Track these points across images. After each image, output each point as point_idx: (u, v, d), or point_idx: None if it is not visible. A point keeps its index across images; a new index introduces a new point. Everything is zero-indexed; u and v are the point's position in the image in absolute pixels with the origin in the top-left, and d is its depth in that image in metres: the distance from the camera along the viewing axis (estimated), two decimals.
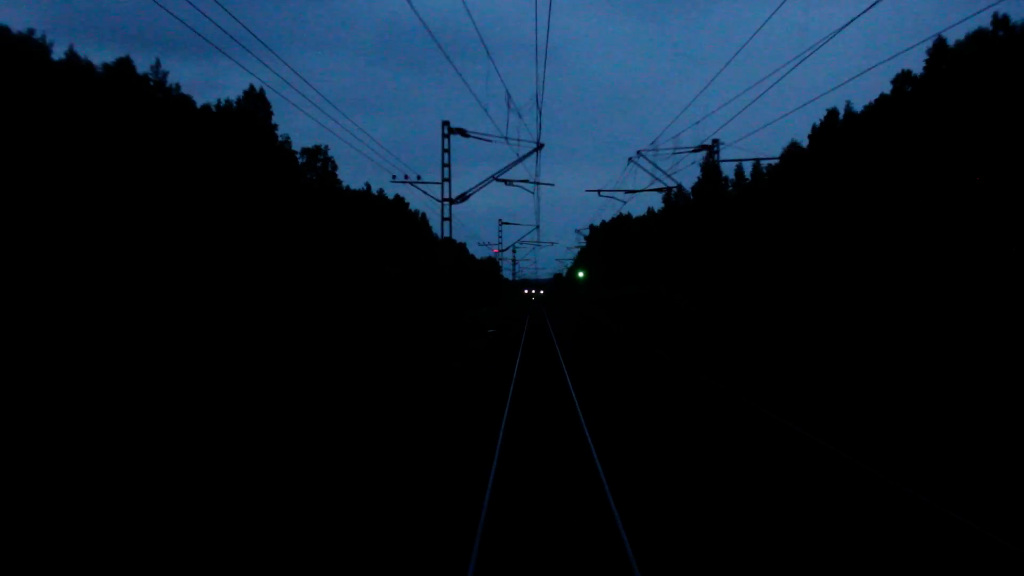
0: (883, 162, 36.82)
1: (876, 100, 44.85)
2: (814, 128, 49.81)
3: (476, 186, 30.38)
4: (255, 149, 43.60)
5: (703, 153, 33.89)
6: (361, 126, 33.91)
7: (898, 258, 32.54)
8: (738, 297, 40.19)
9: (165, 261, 32.88)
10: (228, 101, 43.42)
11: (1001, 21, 32.70)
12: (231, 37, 14.88)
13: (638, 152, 30.91)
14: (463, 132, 29.65)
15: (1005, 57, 30.87)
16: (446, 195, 30.91)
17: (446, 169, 30.88)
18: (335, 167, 59.14)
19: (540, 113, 24.64)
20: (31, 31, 30.63)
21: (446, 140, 30.44)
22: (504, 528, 7.91)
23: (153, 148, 34.74)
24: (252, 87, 45.38)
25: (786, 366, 21.81)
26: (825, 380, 18.42)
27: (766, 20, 15.89)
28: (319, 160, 57.78)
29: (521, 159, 28.69)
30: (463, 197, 30.72)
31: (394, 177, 32.36)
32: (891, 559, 7.16)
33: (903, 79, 42.46)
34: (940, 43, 38.10)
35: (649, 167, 37.95)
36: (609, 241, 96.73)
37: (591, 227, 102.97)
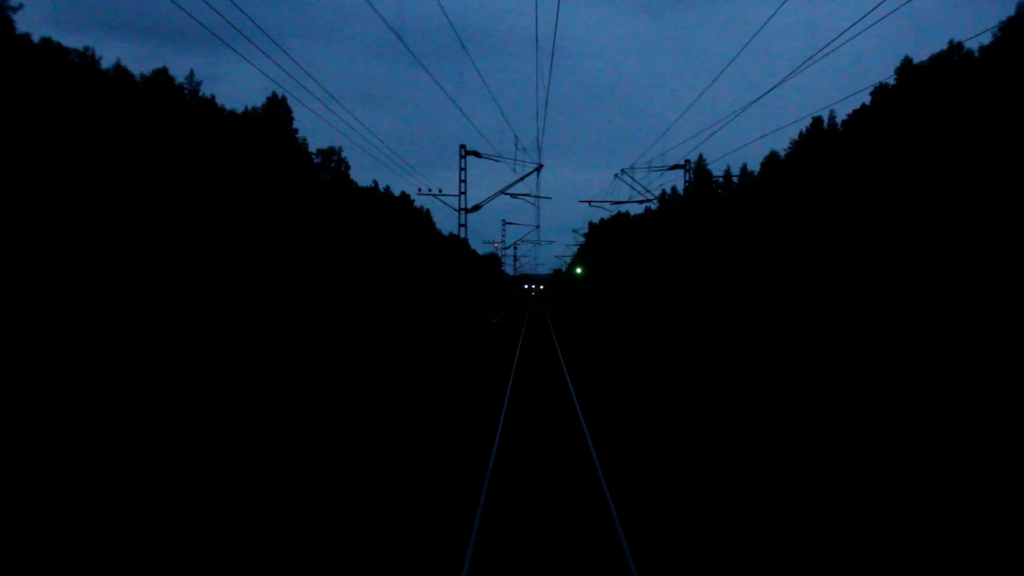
0: (859, 165, 40.59)
1: (855, 111, 48.78)
2: (801, 134, 53.75)
3: (487, 198, 36.69)
4: (277, 151, 47.24)
5: (698, 156, 38.08)
6: (367, 125, 38.14)
7: (869, 254, 36.16)
8: (716, 289, 43.97)
9: (197, 253, 36.48)
10: (255, 108, 47.01)
11: (956, 46, 36.51)
12: (237, 31, 15.62)
13: (622, 170, 35.11)
14: (477, 154, 36.20)
15: (957, 78, 34.66)
16: (463, 205, 37.97)
17: (463, 184, 37.48)
18: (348, 167, 62.86)
19: (540, 142, 28.71)
20: (87, 48, 34.27)
21: (463, 160, 37.17)
22: (516, 446, 11.61)
23: (188, 151, 38.34)
24: (275, 94, 49.07)
25: (752, 351, 25.54)
26: (803, 370, 19.93)
27: (755, 32, 19.19)
28: (333, 161, 61.47)
29: (523, 177, 33.53)
30: (476, 207, 35.95)
31: (420, 191, 39.56)
32: (847, 537, 7.56)
33: (880, 91, 46.34)
34: (907, 62, 41.94)
35: (634, 180, 41.69)
36: (605, 240, 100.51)
37: (590, 224, 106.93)
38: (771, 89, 19.62)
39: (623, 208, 74.73)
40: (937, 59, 37.69)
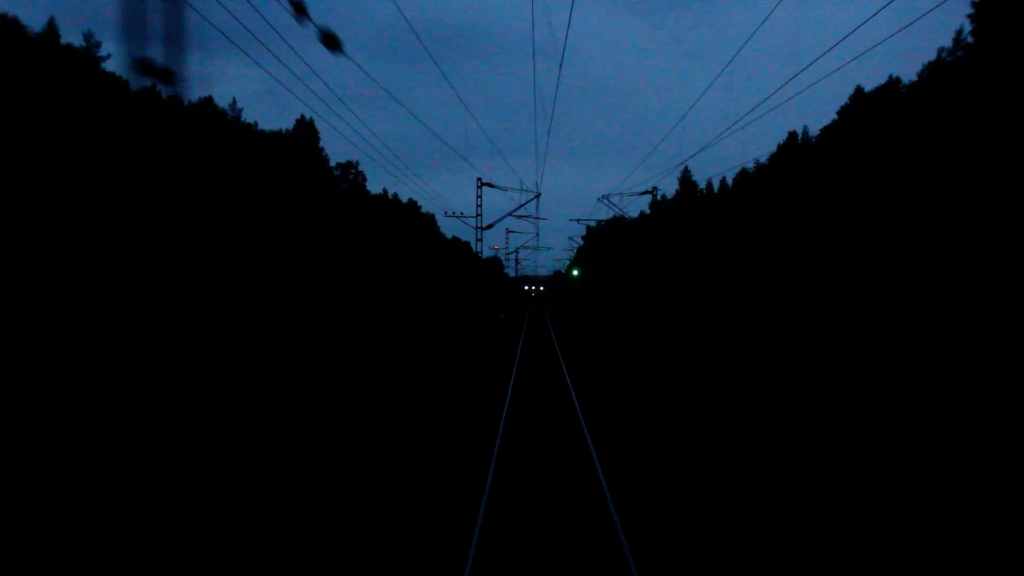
0: (824, 180, 46.62)
1: (823, 128, 54.93)
2: (779, 147, 59.97)
3: (498, 219, 44.79)
4: (304, 168, 53.31)
5: (690, 161, 44.72)
6: (377, 127, 41.89)
7: (831, 259, 41.88)
8: (695, 289, 50.13)
9: (232, 257, 42.44)
10: (288, 131, 53.15)
11: (895, 81, 42.65)
12: (245, 28, 16.25)
13: (605, 196, 41.76)
14: (491, 185, 46.67)
15: (898, 107, 40.73)
16: (479, 224, 50.59)
17: (479, 207, 51.37)
18: (364, 179, 68.99)
19: (542, 172, 35.17)
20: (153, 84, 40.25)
21: (479, 191, 49.48)
22: (521, 412, 17.49)
23: (233, 168, 44.34)
24: (303, 116, 55.18)
25: (717, 344, 31.47)
26: (782, 369, 21.49)
27: (744, 41, 21.43)
28: (351, 173, 67.58)
29: (525, 203, 41.82)
30: (490, 226, 45.04)
31: (446, 213, 48.62)
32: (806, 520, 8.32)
33: (842, 112, 52.53)
34: (859, 90, 48.05)
35: (611, 204, 48.70)
36: (599, 244, 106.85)
37: (587, 227, 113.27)
38: (755, 107, 23.29)
39: (632, 202, 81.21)
40: (878, 92, 43.83)
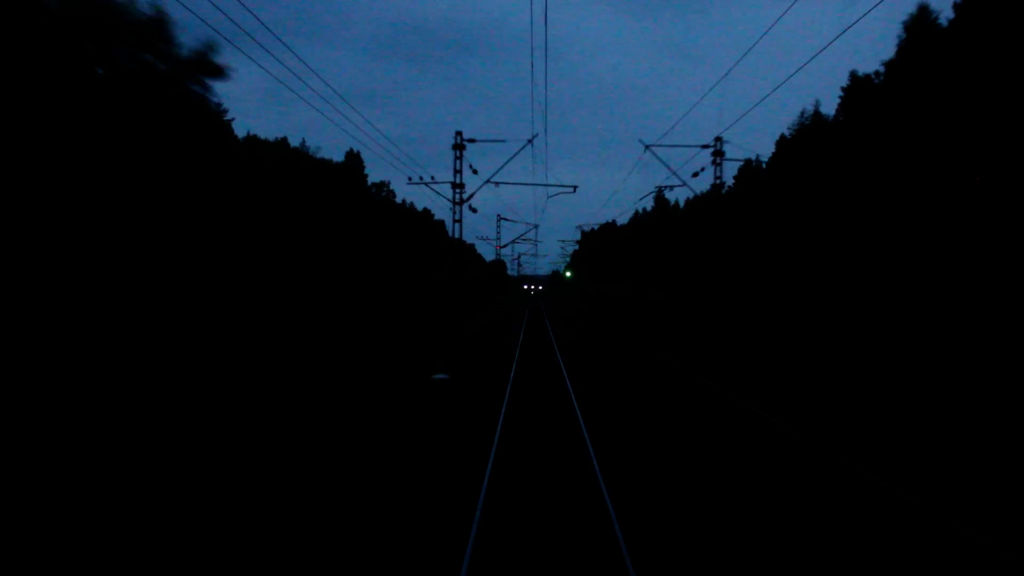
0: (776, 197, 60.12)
1: (767, 161, 69.14)
2: (740, 170, 74.40)
3: (510, 241, 53.80)
4: (354, 191, 67.72)
5: (656, 188, 58.75)
6: (376, 125, 42.11)
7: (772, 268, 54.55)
8: (666, 289, 64.82)
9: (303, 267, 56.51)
10: (340, 162, 67.71)
11: (816, 112, 56.47)
12: (242, 28, 15.95)
13: (579, 226, 56.07)
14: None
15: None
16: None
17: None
18: (393, 195, 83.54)
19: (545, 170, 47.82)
20: (277, 138, 54.62)
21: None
22: (521, 392, 21.78)
23: (311, 194, 58.52)
24: (352, 149, 69.61)
25: (677, 333, 44.81)
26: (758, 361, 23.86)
27: (741, 57, 19.56)
28: (384, 191, 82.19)
29: (523, 235, 52.34)
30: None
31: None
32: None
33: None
34: (816, 107, 62.02)
35: (584, 230, 62.32)
36: (592, 250, 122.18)
37: (582, 232, 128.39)
38: (750, 110, 24.59)
39: (628, 211, 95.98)
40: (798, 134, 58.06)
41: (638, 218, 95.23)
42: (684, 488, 10.04)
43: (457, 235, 38.72)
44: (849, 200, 33.80)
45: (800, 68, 14.69)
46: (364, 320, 40.30)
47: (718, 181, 38.78)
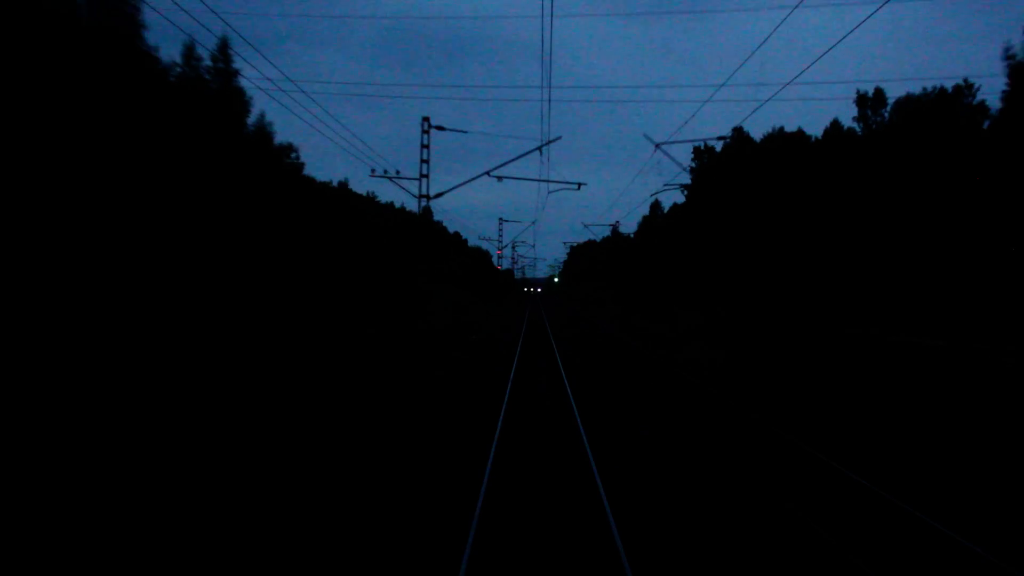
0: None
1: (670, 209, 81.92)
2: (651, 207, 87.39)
3: (520, 265, 66.94)
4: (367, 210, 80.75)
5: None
6: (348, 126, 39.39)
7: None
8: (632, 290, 78.37)
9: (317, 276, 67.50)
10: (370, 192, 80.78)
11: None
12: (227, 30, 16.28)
13: (566, 242, 69.85)
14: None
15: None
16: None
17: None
18: (431, 214, 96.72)
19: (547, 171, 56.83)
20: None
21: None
22: (522, 377, 19.89)
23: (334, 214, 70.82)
24: (373, 170, 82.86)
25: (637, 322, 56.59)
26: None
27: (748, 57, 19.29)
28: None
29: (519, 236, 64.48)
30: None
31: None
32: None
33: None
34: (655, 204, 73.90)
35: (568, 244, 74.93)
36: (578, 259, 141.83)
37: (570, 247, 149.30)
38: (749, 115, 33.04)
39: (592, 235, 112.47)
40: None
41: (608, 238, 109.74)
42: (625, 415, 12.90)
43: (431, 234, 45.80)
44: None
45: (803, 70, 16.33)
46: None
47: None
